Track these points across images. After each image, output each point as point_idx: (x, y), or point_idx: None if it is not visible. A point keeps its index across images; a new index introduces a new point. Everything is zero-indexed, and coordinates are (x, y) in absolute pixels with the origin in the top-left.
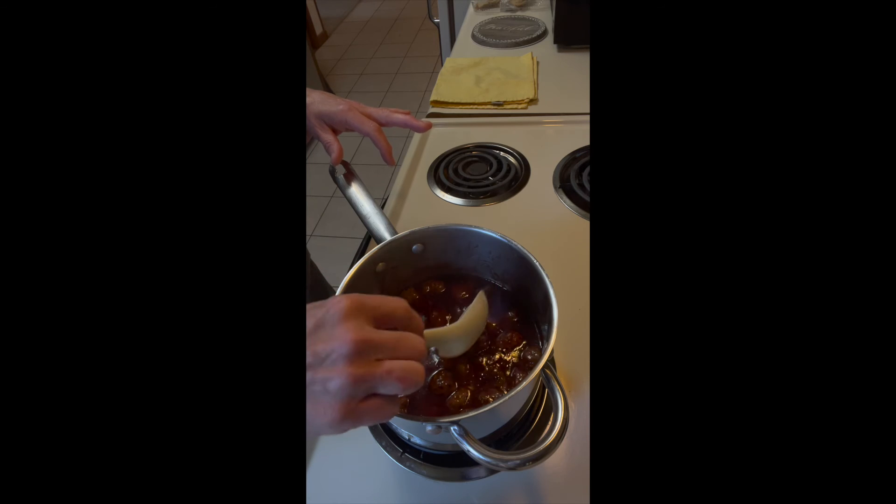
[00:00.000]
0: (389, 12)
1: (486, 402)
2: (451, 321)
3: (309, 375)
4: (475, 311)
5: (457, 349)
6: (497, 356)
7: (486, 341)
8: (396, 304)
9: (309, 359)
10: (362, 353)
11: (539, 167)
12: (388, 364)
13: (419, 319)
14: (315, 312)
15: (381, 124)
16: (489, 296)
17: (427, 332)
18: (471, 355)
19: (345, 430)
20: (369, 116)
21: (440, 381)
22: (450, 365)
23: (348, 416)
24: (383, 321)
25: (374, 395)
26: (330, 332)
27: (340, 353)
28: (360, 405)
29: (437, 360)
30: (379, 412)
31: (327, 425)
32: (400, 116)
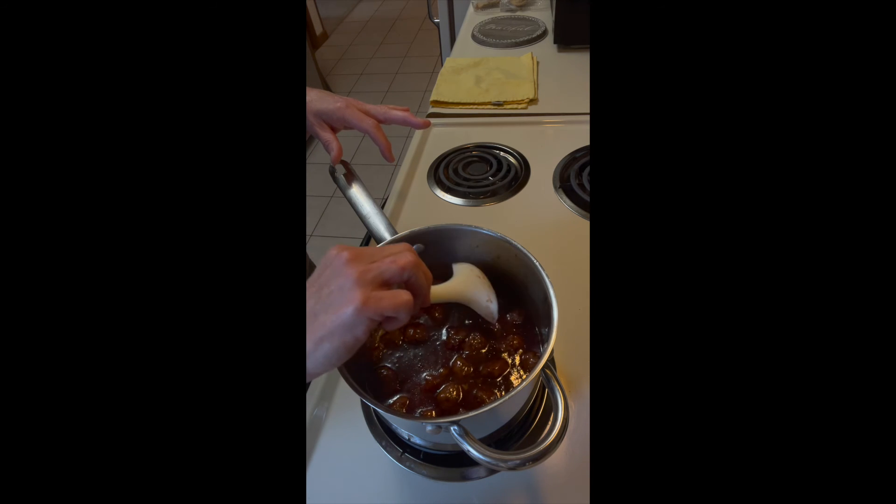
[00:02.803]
0: (389, 12)
1: (480, 400)
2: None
3: (324, 291)
4: (460, 268)
5: (482, 302)
6: (497, 361)
7: (489, 344)
8: (393, 246)
9: (318, 286)
10: (355, 259)
11: (539, 167)
12: (382, 258)
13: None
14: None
15: (380, 121)
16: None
17: (432, 289)
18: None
19: (373, 319)
20: (367, 113)
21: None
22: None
23: (369, 301)
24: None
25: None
26: (328, 266)
27: (340, 263)
28: (375, 292)
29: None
30: (395, 297)
31: (354, 313)
32: (398, 113)
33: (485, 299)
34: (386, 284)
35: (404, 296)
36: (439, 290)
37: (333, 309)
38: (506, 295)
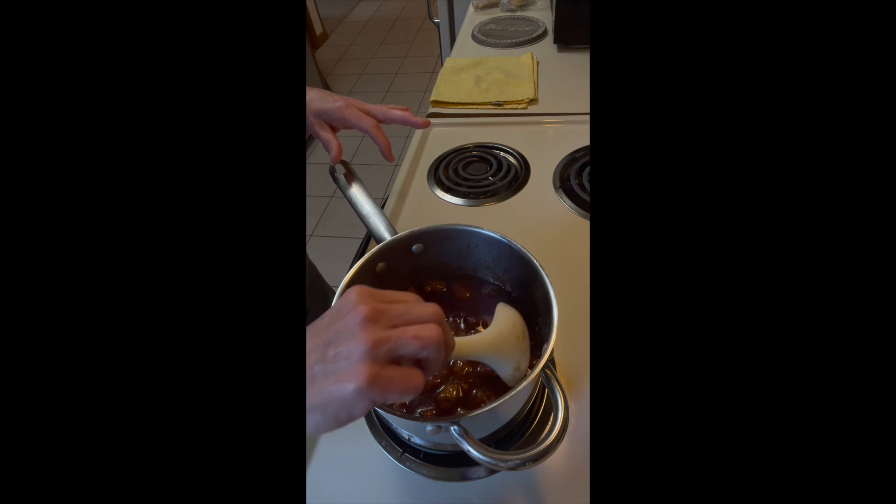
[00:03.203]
0: (389, 12)
1: (480, 400)
2: (450, 319)
3: (330, 352)
4: (501, 316)
5: (509, 366)
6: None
7: None
8: (405, 294)
9: (325, 339)
10: (374, 320)
11: (539, 167)
12: (403, 328)
13: (434, 304)
14: (329, 314)
15: (380, 121)
16: (490, 298)
17: (457, 339)
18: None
19: (375, 401)
20: (367, 113)
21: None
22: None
23: (376, 381)
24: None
25: (399, 364)
26: (343, 316)
27: (355, 322)
28: (385, 370)
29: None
30: (405, 380)
31: (355, 391)
32: (398, 113)
33: (511, 367)
34: (400, 359)
35: (416, 379)
36: (463, 346)
37: (335, 378)
38: (506, 295)
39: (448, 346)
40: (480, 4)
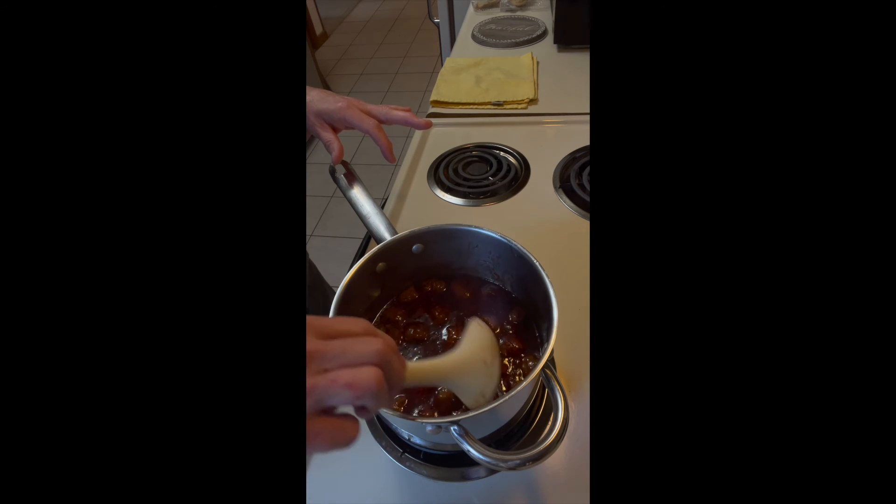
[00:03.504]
0: (389, 12)
1: None
2: (450, 319)
3: None
4: (472, 336)
5: (472, 392)
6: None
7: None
8: (354, 322)
9: None
10: (310, 360)
11: (539, 167)
12: (335, 372)
13: (385, 336)
14: None
15: (381, 121)
16: (490, 298)
17: (411, 364)
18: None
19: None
20: (369, 114)
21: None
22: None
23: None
24: (335, 337)
25: (331, 413)
26: None
27: None
28: (309, 424)
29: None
30: (333, 433)
31: None
32: (399, 114)
33: (474, 393)
34: (333, 408)
35: (348, 432)
36: (417, 373)
37: None
38: (506, 295)
39: (393, 387)
40: (480, 4)
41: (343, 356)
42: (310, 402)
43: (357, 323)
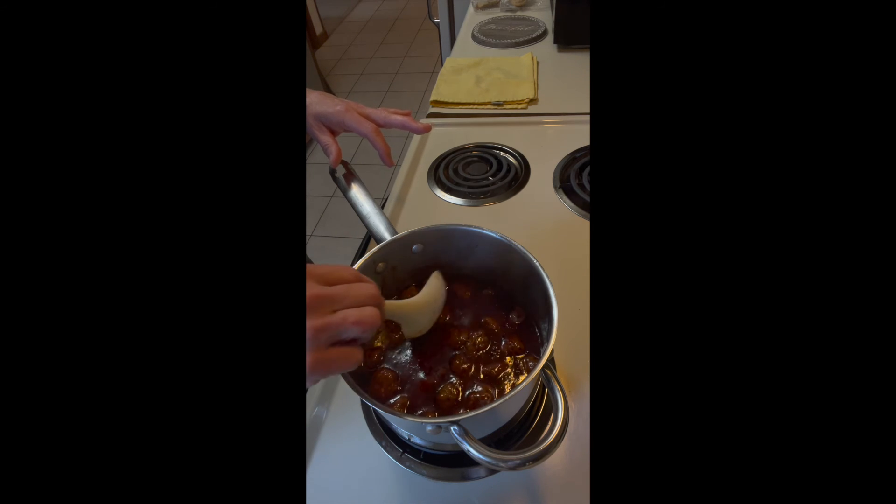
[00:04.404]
0: (389, 12)
1: (480, 400)
2: (450, 319)
3: None
4: (433, 287)
5: (416, 327)
6: (498, 362)
7: (489, 344)
8: (345, 270)
9: None
10: (316, 307)
11: (539, 167)
12: (343, 312)
13: (371, 282)
14: None
15: (380, 125)
16: (490, 298)
17: (387, 302)
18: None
19: (316, 380)
20: (367, 117)
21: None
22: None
23: (318, 365)
24: (333, 283)
25: (338, 344)
26: None
27: None
28: (325, 354)
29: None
30: (345, 359)
31: None
32: (398, 118)
33: (419, 327)
34: (340, 342)
35: (356, 356)
36: (390, 307)
37: None
38: (506, 295)
39: (382, 317)
40: (480, 4)
41: (347, 298)
42: (325, 336)
43: (347, 270)
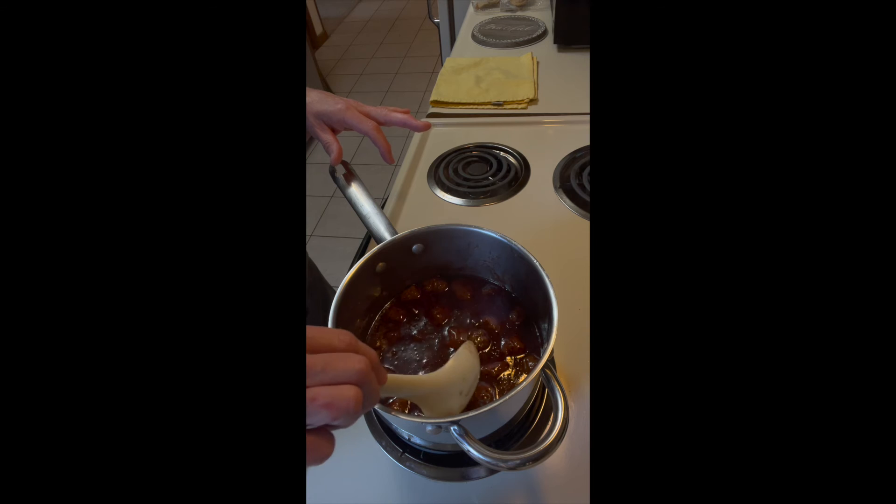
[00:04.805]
0: (389, 12)
1: (480, 400)
2: (451, 319)
3: None
4: (461, 358)
5: (441, 409)
6: (498, 362)
7: (489, 344)
8: (338, 334)
9: None
10: None
11: (539, 167)
12: (314, 390)
13: (368, 351)
14: None
15: (380, 123)
16: (490, 298)
17: (391, 377)
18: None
19: None
20: (368, 115)
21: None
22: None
23: None
24: (318, 350)
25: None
26: None
27: None
28: None
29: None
30: (309, 452)
31: None
32: (398, 115)
33: (441, 413)
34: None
35: (322, 450)
36: (394, 385)
37: None
38: (506, 295)
39: (369, 404)
40: (480, 4)
41: (324, 373)
42: None
43: (340, 336)
